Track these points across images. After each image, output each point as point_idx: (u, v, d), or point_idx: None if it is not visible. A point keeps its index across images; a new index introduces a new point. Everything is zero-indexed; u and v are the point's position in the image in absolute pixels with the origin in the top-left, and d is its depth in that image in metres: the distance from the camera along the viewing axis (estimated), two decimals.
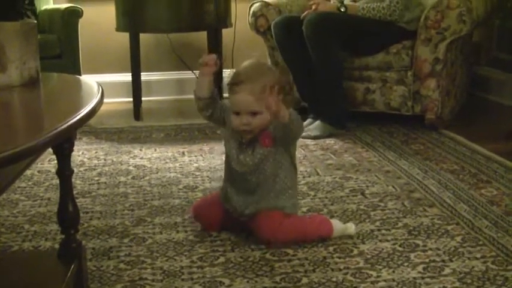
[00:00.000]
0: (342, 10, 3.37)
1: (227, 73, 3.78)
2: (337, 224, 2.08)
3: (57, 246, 1.89)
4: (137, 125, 3.71)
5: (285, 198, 2.05)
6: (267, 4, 3.65)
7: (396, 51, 3.37)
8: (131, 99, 3.86)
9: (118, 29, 3.83)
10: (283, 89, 1.99)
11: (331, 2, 3.49)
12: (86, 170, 2.86)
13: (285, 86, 2.01)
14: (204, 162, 2.92)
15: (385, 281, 1.78)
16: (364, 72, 3.45)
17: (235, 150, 2.05)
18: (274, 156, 2.03)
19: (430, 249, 1.96)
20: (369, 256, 1.93)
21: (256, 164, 2.02)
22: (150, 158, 3.02)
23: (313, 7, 3.37)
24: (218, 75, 3.85)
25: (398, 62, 3.36)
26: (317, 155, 3.00)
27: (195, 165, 2.89)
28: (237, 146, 2.05)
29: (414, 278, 1.79)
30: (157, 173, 2.79)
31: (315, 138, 3.24)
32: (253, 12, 3.66)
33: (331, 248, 1.99)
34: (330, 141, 3.21)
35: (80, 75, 3.55)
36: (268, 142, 2.01)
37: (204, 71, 2.05)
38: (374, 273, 1.82)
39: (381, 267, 1.86)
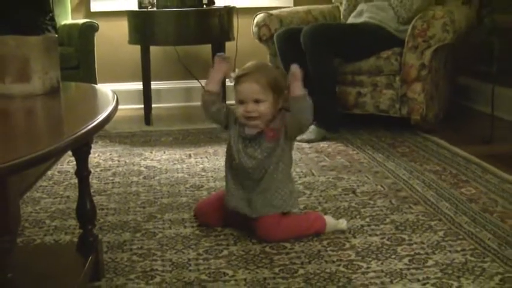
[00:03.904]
0: None
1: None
2: (330, 220, 2.08)
3: (75, 239, 1.89)
4: (148, 129, 3.71)
5: (283, 194, 2.03)
6: (270, 15, 3.67)
7: (386, 56, 3.37)
8: (142, 105, 3.87)
9: (130, 42, 3.83)
10: (280, 86, 2.01)
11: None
12: (101, 170, 2.86)
13: (282, 84, 2.02)
14: (209, 164, 2.92)
15: (374, 272, 1.78)
16: (356, 76, 3.45)
17: (241, 146, 2.02)
18: (279, 150, 2.01)
19: (415, 243, 1.97)
20: (359, 249, 1.93)
21: (265, 157, 2.00)
22: (159, 160, 3.02)
23: None
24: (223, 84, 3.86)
25: (388, 67, 3.36)
26: (312, 157, 3.00)
27: (201, 166, 2.89)
28: (241, 141, 2.03)
29: (401, 269, 1.79)
30: (166, 173, 2.80)
31: (309, 141, 3.24)
32: (257, 22, 3.68)
33: (325, 242, 1.99)
34: (323, 145, 3.21)
35: (96, 84, 3.55)
36: (273, 135, 2.00)
37: (220, 65, 2.05)
38: (364, 265, 1.83)
39: (370, 259, 1.86)
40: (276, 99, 2.01)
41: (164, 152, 3.16)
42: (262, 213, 2.01)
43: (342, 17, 3.85)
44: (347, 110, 3.48)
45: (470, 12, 3.58)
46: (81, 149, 1.67)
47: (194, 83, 4.33)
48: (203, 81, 4.24)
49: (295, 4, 4.35)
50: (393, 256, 1.88)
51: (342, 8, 3.89)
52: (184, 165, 2.91)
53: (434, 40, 3.23)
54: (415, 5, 3.41)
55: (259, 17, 3.68)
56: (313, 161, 2.93)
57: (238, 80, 2.00)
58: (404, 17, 3.42)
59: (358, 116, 3.50)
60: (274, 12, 3.72)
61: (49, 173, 2.76)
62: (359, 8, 3.65)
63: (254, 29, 3.68)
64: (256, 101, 1.98)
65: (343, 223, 2.09)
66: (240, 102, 2.00)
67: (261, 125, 2.01)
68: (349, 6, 3.81)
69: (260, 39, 3.68)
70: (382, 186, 2.53)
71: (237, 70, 2.04)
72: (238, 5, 4.04)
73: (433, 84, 3.37)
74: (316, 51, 3.28)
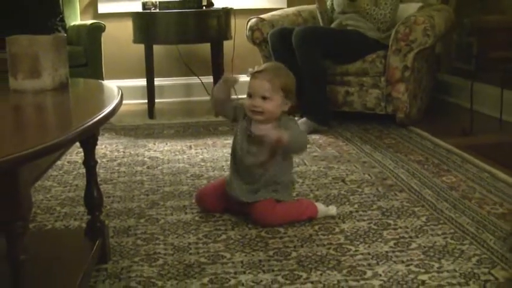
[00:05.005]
0: None
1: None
2: (321, 207, 2.08)
3: (84, 225, 1.90)
4: (151, 122, 3.71)
5: (281, 188, 2.05)
6: (262, 19, 3.65)
7: (371, 60, 3.37)
8: (146, 100, 3.86)
9: (135, 41, 3.82)
10: (291, 91, 2.01)
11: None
12: (108, 161, 2.86)
13: (293, 88, 2.03)
14: (208, 154, 2.92)
15: (362, 254, 1.79)
16: (344, 77, 3.45)
17: (245, 144, 2.02)
18: (281, 152, 1.99)
19: (400, 227, 1.97)
20: (348, 233, 1.94)
21: (266, 160, 1.98)
22: (162, 151, 3.02)
23: None
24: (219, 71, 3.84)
25: (374, 69, 3.36)
26: None
27: (201, 156, 2.89)
28: (246, 139, 2.02)
29: (386, 251, 1.80)
30: (168, 163, 2.80)
31: None
32: (250, 26, 3.66)
33: (316, 227, 1.99)
34: (315, 137, 3.21)
35: (103, 80, 3.54)
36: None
37: (225, 82, 2.04)
38: (353, 248, 1.83)
39: (358, 242, 1.87)
40: (284, 102, 2.00)
41: (166, 144, 3.16)
42: (259, 198, 2.01)
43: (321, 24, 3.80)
44: (337, 107, 3.48)
45: (450, 16, 3.57)
46: (88, 141, 1.67)
47: (194, 79, 4.32)
48: (203, 78, 4.28)
49: (288, 5, 4.33)
50: (379, 240, 1.88)
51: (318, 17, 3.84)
52: (185, 156, 2.91)
53: (416, 44, 3.22)
54: (388, 13, 3.40)
55: (252, 21, 3.67)
56: (305, 151, 2.92)
57: (253, 75, 2.00)
58: (384, 29, 3.42)
59: (347, 112, 3.50)
60: (266, 16, 3.69)
61: (59, 163, 2.76)
62: (337, 20, 3.61)
63: (248, 33, 3.66)
64: (264, 98, 1.97)
65: (333, 209, 2.09)
66: (249, 95, 2.00)
67: (264, 121, 1.99)
68: (323, 17, 3.75)
69: (254, 42, 3.66)
70: (369, 175, 2.53)
71: (256, 67, 2.04)
72: (235, 7, 4.02)
73: (416, 83, 3.37)
74: (306, 50, 3.27)
